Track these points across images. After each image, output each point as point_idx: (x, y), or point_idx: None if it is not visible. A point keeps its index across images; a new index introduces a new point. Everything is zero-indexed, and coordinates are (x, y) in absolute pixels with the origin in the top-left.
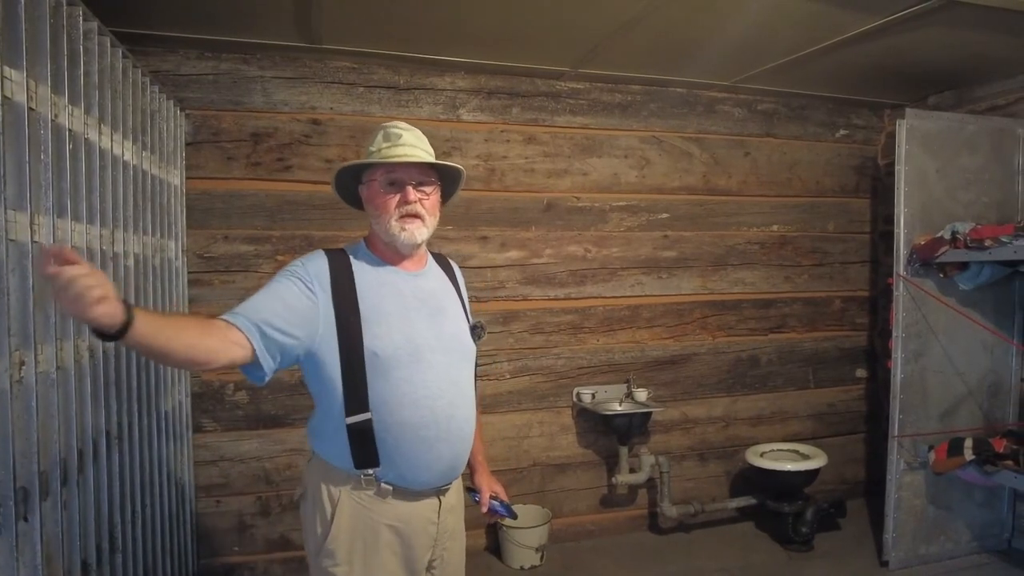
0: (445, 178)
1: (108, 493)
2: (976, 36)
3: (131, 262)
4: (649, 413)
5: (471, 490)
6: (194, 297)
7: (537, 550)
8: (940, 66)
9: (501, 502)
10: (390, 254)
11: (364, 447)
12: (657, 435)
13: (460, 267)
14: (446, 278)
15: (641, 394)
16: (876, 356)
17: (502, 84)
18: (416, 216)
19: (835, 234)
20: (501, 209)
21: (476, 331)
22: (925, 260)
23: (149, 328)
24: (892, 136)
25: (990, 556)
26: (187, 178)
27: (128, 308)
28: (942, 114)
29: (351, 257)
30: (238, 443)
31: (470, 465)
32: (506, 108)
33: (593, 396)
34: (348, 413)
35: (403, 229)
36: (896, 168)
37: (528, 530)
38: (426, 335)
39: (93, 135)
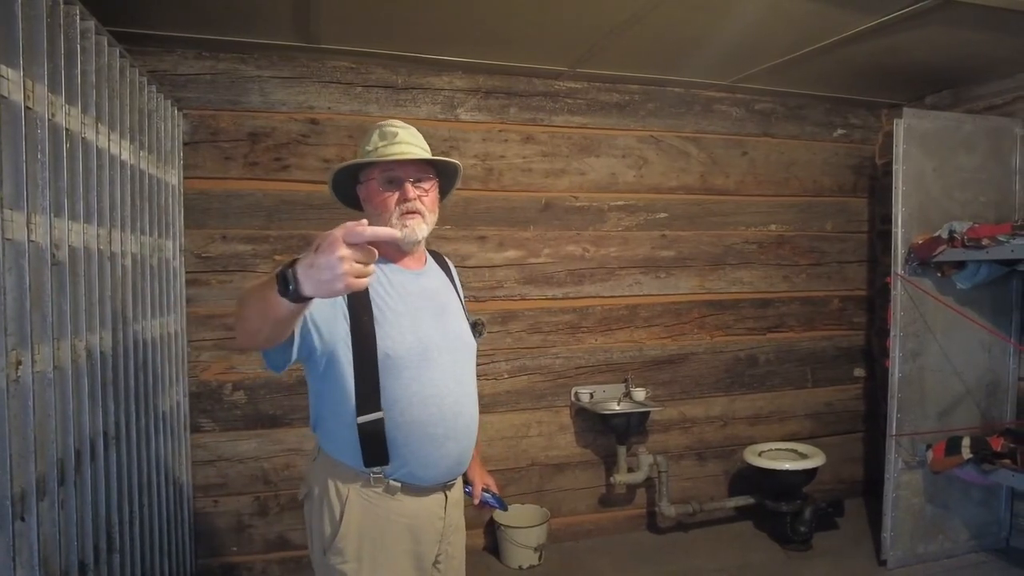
0: (442, 175)
1: (105, 493)
2: (973, 35)
3: (128, 262)
4: (647, 412)
5: (463, 482)
6: (191, 297)
7: (536, 550)
8: (937, 65)
9: (493, 494)
10: (392, 252)
11: (375, 446)
12: (655, 434)
13: (457, 266)
14: (445, 276)
15: (639, 393)
16: (874, 355)
17: (500, 84)
18: (416, 213)
19: (833, 233)
20: (499, 209)
21: (476, 328)
22: (923, 259)
23: None
24: (890, 136)
25: (988, 555)
26: (185, 178)
27: None
28: (939, 113)
29: None
30: (236, 443)
31: None
32: (504, 108)
33: (591, 396)
34: (360, 412)
35: (404, 226)
36: (894, 167)
37: (527, 530)
38: (433, 334)
39: (90, 134)
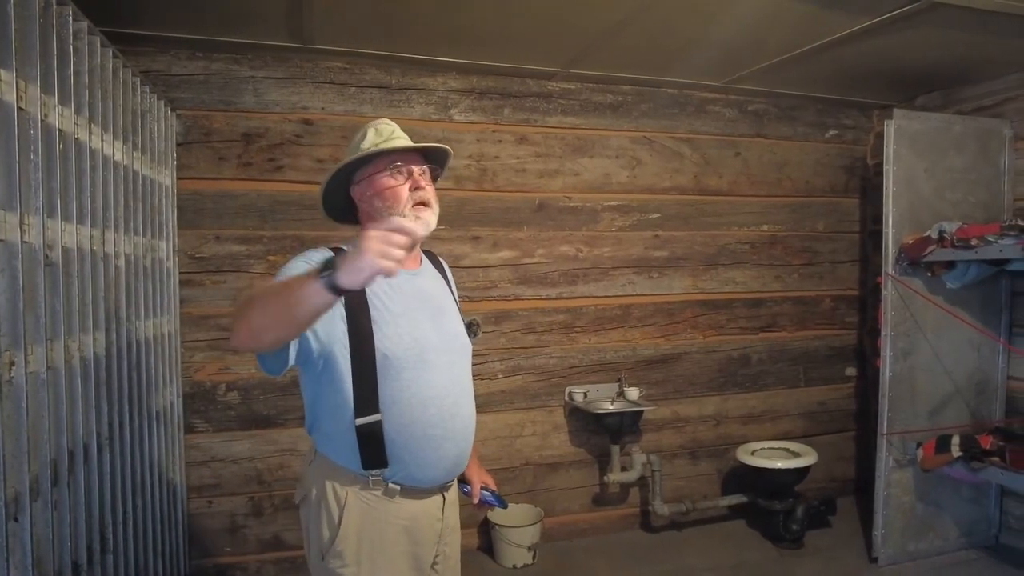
0: (433, 166)
1: (99, 494)
2: (962, 37)
3: (122, 262)
4: (640, 412)
5: (461, 482)
6: (185, 298)
7: (530, 549)
8: (927, 67)
9: (492, 492)
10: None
11: (373, 448)
12: (649, 434)
13: (451, 267)
14: (440, 276)
15: (632, 393)
16: (866, 355)
17: (494, 84)
18: (426, 204)
19: (825, 233)
20: (493, 209)
21: (472, 328)
22: (913, 259)
23: None
24: (881, 136)
25: (978, 552)
26: (178, 178)
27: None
28: (930, 115)
29: None
30: (230, 444)
31: None
32: (498, 108)
33: (585, 395)
34: (358, 415)
35: (417, 217)
36: (884, 168)
37: (521, 529)
38: (430, 335)
39: (83, 135)
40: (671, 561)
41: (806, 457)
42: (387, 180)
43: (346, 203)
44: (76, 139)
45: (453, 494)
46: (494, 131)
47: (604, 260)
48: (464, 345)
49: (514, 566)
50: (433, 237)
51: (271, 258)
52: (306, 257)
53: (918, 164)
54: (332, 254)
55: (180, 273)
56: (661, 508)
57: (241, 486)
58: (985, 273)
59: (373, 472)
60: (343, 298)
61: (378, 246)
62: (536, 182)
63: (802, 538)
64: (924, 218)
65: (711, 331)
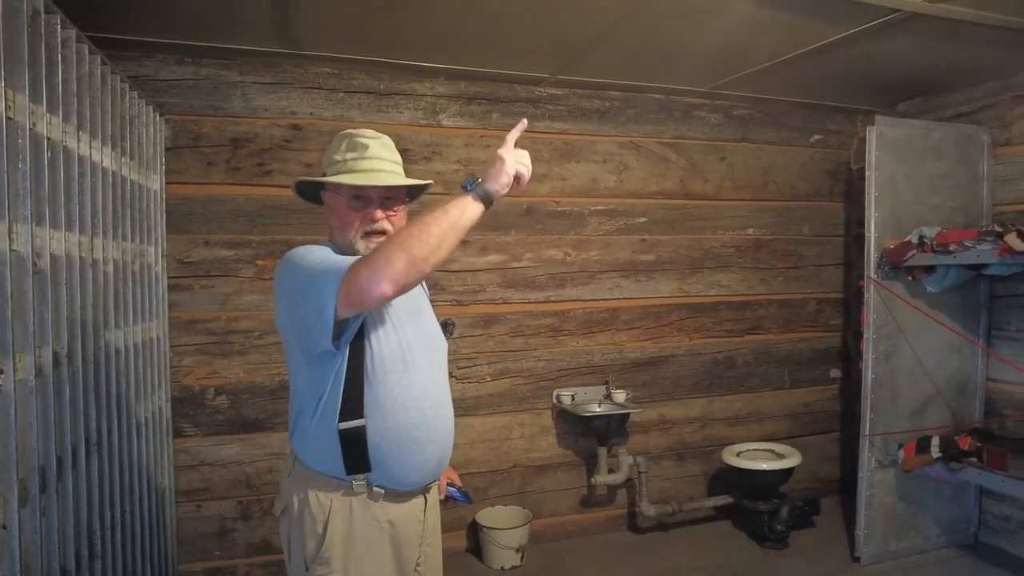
0: (412, 190)
1: (87, 500)
2: (940, 46)
3: (110, 268)
4: (627, 414)
5: None
6: (174, 302)
7: (517, 550)
8: (908, 74)
9: (457, 488)
10: None
11: (357, 453)
12: (636, 435)
13: (439, 270)
14: None
15: (620, 395)
16: (850, 356)
17: (482, 90)
18: (382, 233)
19: (810, 237)
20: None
21: (448, 328)
22: (894, 263)
23: None
24: (864, 141)
25: (958, 550)
26: (167, 183)
27: None
28: (910, 121)
29: None
30: (219, 448)
31: None
32: (486, 113)
33: (573, 398)
34: (342, 419)
35: (367, 247)
36: (866, 174)
37: (508, 531)
38: (411, 338)
39: (71, 143)
40: (657, 562)
41: (790, 458)
42: (341, 203)
43: (317, 193)
44: (64, 147)
45: (434, 495)
46: (482, 136)
47: (592, 264)
48: (442, 345)
49: (502, 568)
50: None
51: (260, 262)
52: (322, 250)
53: (899, 170)
54: (332, 249)
55: (169, 278)
56: (648, 509)
57: (230, 490)
58: (964, 277)
59: (357, 477)
60: None
61: (511, 157)
62: (524, 187)
63: (787, 538)
64: (905, 223)
65: (697, 334)
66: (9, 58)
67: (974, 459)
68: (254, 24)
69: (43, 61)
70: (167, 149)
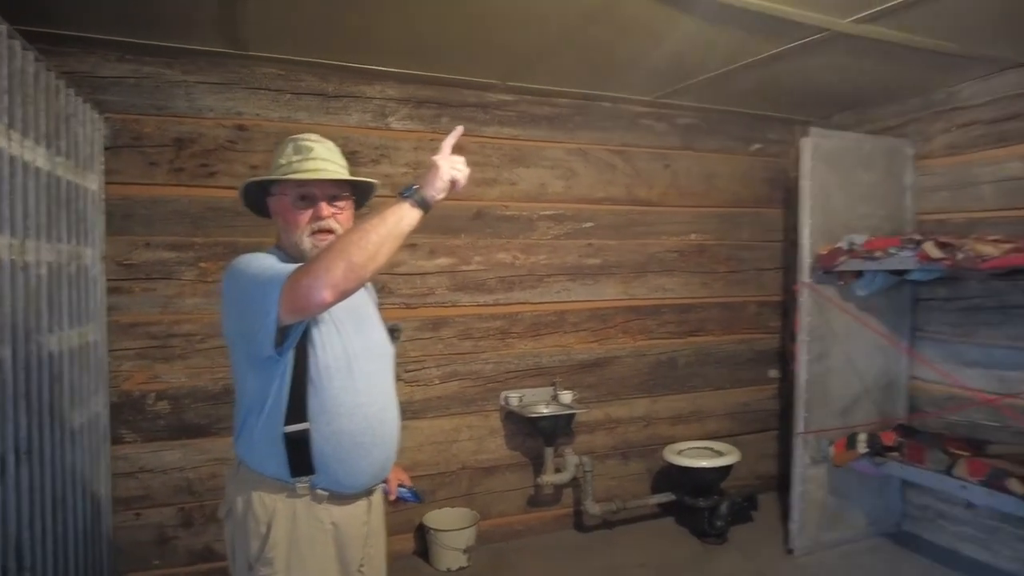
0: (358, 191)
1: (16, 510)
2: (868, 64)
3: (44, 271)
4: (573, 414)
5: None
6: (113, 305)
7: (465, 551)
8: (841, 88)
9: (408, 488)
10: None
11: (301, 456)
12: (582, 435)
13: (387, 273)
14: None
15: (566, 396)
16: (787, 357)
17: (432, 94)
18: (330, 231)
19: (750, 242)
20: (430, 217)
21: (394, 334)
22: (826, 269)
23: None
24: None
25: (883, 539)
26: (106, 183)
27: None
28: (842, 133)
29: None
30: (160, 454)
31: None
32: (436, 117)
33: (520, 399)
34: (287, 423)
35: (315, 246)
36: (800, 183)
37: (456, 532)
38: (356, 344)
39: (2, 141)
40: (602, 559)
41: (729, 456)
42: (288, 205)
43: (264, 203)
44: None
45: (378, 497)
46: (432, 139)
47: (540, 267)
48: (388, 351)
49: (448, 569)
50: None
51: (203, 265)
52: (267, 258)
53: (832, 179)
54: (278, 257)
55: (108, 280)
56: (593, 508)
57: (171, 497)
58: (890, 282)
59: (301, 479)
60: None
61: (446, 164)
62: (473, 190)
63: (726, 533)
64: (837, 230)
65: (641, 335)
66: None
67: (896, 454)
68: (199, 24)
69: None
70: (107, 148)
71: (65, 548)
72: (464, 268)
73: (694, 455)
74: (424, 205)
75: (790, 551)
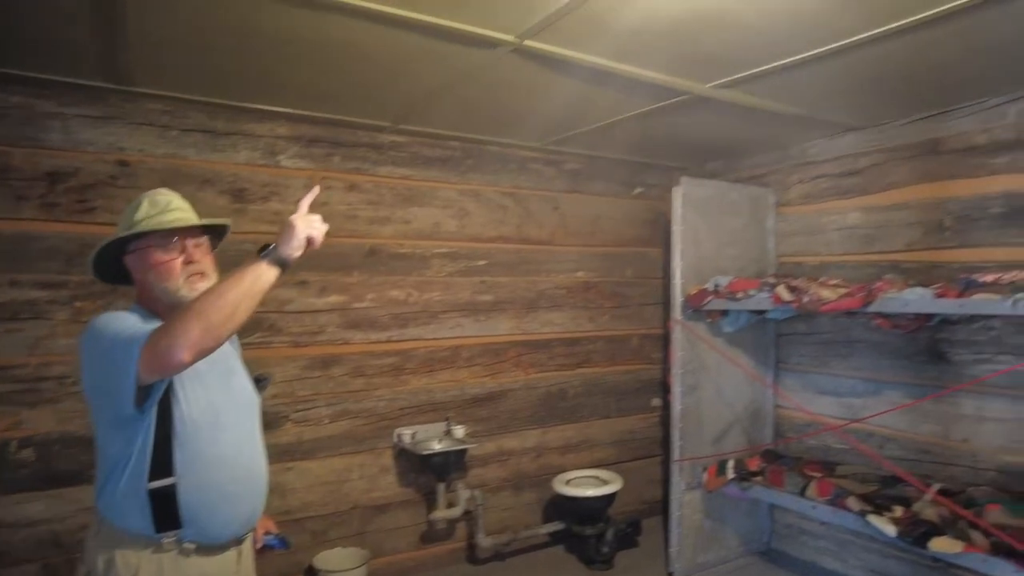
0: (212, 235)
1: None
2: (730, 121)
3: None
4: (465, 449)
5: None
6: None
7: None
8: (709, 141)
9: (275, 535)
10: None
11: (167, 510)
12: (475, 469)
13: (276, 311)
14: None
15: (459, 431)
16: (667, 387)
17: (323, 133)
18: (203, 274)
19: (633, 279)
20: (322, 254)
21: (262, 384)
22: (695, 307)
23: None
24: None
25: (754, 557)
26: None
27: None
28: (710, 182)
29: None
30: (23, 506)
31: None
32: (328, 156)
33: (413, 436)
34: (152, 478)
35: (193, 289)
36: (672, 228)
37: (346, 573)
38: (222, 395)
39: None
40: None
41: (613, 484)
42: (160, 255)
43: (118, 267)
44: None
45: (247, 545)
46: (323, 178)
47: (434, 304)
48: (253, 400)
49: None
50: None
51: (78, 304)
52: (128, 317)
53: (701, 224)
54: (139, 315)
55: None
56: (484, 541)
57: (34, 552)
58: (753, 319)
59: (167, 534)
60: None
61: (302, 223)
62: (367, 228)
63: (612, 559)
64: (706, 271)
65: (533, 368)
66: None
67: (760, 478)
68: (78, 56)
69: None
70: None
71: None
72: (356, 305)
73: (581, 484)
74: (281, 263)
75: (671, 574)
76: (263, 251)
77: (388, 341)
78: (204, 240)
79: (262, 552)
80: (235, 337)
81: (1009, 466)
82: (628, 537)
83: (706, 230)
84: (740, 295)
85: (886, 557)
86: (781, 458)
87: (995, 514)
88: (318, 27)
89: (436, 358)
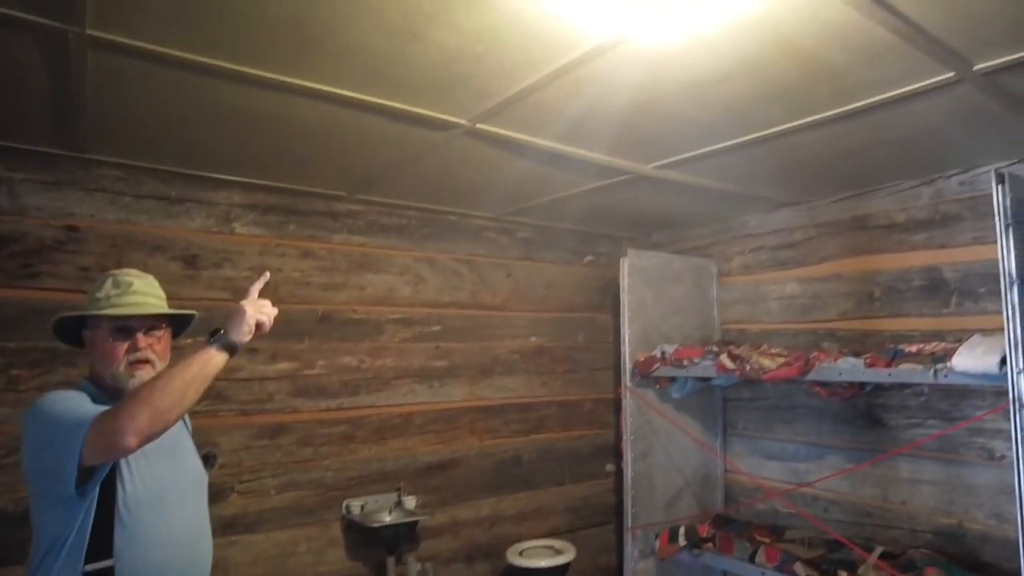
0: (177, 319)
1: None
2: (673, 197)
3: None
4: (416, 521)
5: None
6: None
7: None
8: (655, 214)
9: None
10: (120, 396)
11: None
12: (427, 540)
13: (223, 379)
14: None
15: (410, 502)
16: (621, 452)
17: (280, 201)
18: (146, 362)
19: (584, 344)
20: (273, 321)
21: (209, 461)
22: (644, 374)
23: None
24: None
25: None
26: None
27: None
28: (655, 253)
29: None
30: None
31: None
32: (283, 224)
33: (362, 507)
34: (88, 560)
35: (132, 376)
36: (621, 297)
37: None
38: (167, 475)
39: None
40: None
41: (566, 554)
42: (104, 339)
43: (78, 334)
44: None
45: None
46: (277, 245)
47: (387, 370)
48: (200, 479)
49: None
50: None
51: (14, 372)
52: (75, 398)
53: (648, 293)
54: (87, 398)
55: None
56: None
57: None
58: (700, 386)
59: None
60: None
61: (252, 309)
62: (320, 295)
63: None
64: (653, 338)
65: (487, 435)
66: None
67: (711, 544)
68: (31, 125)
69: None
70: None
71: None
72: (307, 372)
73: (534, 555)
74: (230, 348)
75: None
76: (213, 336)
77: (339, 408)
78: (160, 327)
79: None
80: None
81: (944, 528)
82: None
83: (652, 298)
84: (686, 362)
85: None
86: (732, 523)
87: None
88: (278, 105)
89: (388, 425)
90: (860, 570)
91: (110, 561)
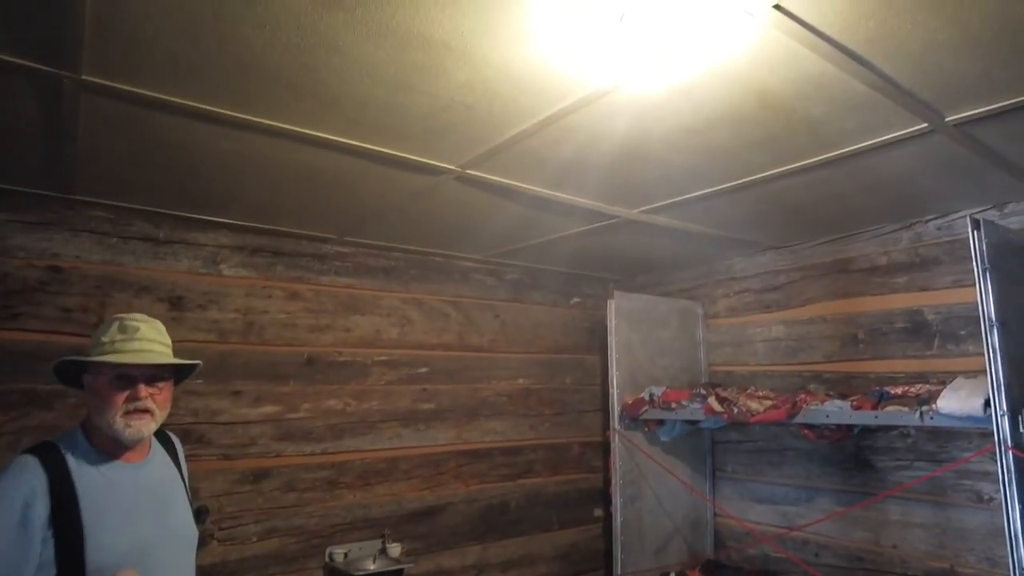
0: (180, 369)
1: None
2: (658, 240)
3: None
4: (401, 569)
5: None
6: None
7: None
8: (641, 256)
9: None
10: (112, 447)
11: None
12: None
13: (207, 423)
14: (170, 461)
15: (395, 549)
16: (610, 497)
17: (267, 243)
18: (146, 412)
19: (572, 386)
20: (258, 363)
21: (201, 516)
22: (632, 417)
23: None
24: None
25: None
26: None
27: None
28: (642, 296)
29: (67, 456)
30: None
31: None
32: (270, 265)
33: (346, 555)
34: None
35: (128, 425)
36: (608, 339)
37: None
38: (152, 532)
39: None
40: None
41: None
42: (103, 385)
43: (78, 376)
44: None
45: None
46: (264, 287)
47: (372, 413)
48: (190, 535)
49: None
50: (189, 391)
51: None
52: (17, 484)
53: (634, 335)
54: (41, 470)
55: None
56: None
57: None
58: (688, 428)
59: None
60: (51, 514)
61: None
62: (306, 336)
63: None
64: (641, 380)
65: (474, 479)
66: None
67: None
68: (17, 168)
69: None
70: None
71: None
72: (291, 416)
73: None
74: None
75: None
76: None
77: (323, 453)
78: (163, 377)
79: None
80: (182, 461)
81: (936, 572)
82: None
83: (639, 341)
84: (674, 405)
85: None
86: (722, 568)
87: None
88: (268, 149)
89: (373, 470)
90: None
91: None
